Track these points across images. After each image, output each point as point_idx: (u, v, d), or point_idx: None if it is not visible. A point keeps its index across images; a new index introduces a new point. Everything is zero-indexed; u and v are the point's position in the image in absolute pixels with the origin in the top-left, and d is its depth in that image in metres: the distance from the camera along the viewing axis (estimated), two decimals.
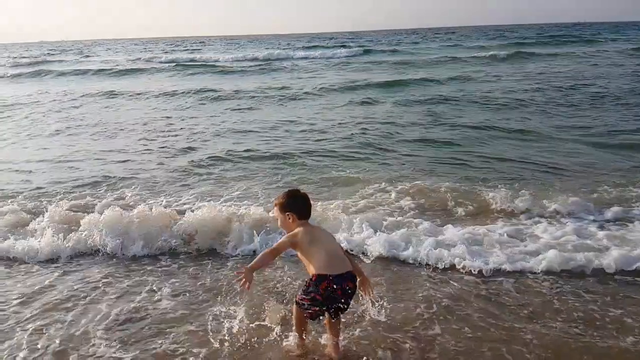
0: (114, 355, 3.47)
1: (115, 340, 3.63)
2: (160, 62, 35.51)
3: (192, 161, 8.69)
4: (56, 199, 6.69)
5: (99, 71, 29.38)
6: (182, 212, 5.92)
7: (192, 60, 37.19)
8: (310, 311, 3.20)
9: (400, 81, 18.96)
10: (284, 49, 50.84)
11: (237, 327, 3.66)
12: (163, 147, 9.95)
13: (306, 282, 3.21)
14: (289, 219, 3.36)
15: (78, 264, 5.02)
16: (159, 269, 4.86)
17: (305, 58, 36.46)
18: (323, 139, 10.20)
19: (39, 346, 3.57)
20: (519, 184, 6.88)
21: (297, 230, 3.31)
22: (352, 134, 10.59)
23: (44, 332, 3.75)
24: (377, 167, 8.16)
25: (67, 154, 9.63)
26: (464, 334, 3.59)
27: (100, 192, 7.16)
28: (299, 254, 3.32)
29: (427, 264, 4.72)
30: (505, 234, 5.23)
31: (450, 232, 5.33)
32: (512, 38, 52.83)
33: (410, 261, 4.80)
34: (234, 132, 11.34)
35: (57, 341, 3.62)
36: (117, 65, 34.36)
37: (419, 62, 28.14)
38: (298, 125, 11.88)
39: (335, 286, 3.08)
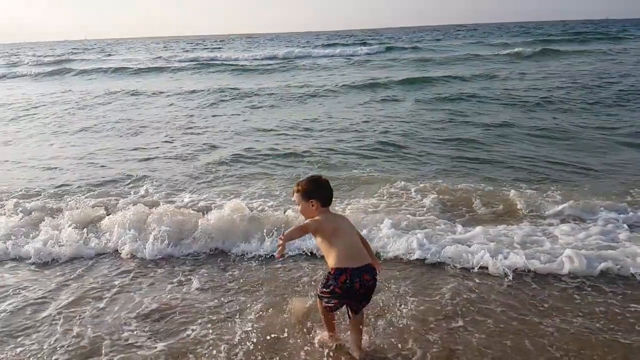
0: (145, 344, 3.58)
1: (145, 329, 3.75)
2: (181, 61, 35.74)
3: (214, 159, 8.72)
4: (80, 196, 6.78)
5: (121, 69, 29.79)
6: (204, 210, 5.96)
7: (212, 58, 37.39)
8: (330, 304, 3.22)
9: (422, 79, 18.78)
10: (303, 46, 50.86)
11: (264, 319, 3.75)
12: (185, 145, 10.02)
13: (326, 275, 3.21)
14: (312, 206, 3.29)
15: (103, 261, 5.07)
16: (186, 265, 4.92)
17: (325, 56, 36.37)
18: (344, 138, 10.15)
19: (74, 332, 3.72)
20: (545, 183, 6.76)
21: (319, 217, 3.26)
22: (374, 132, 10.52)
23: (78, 319, 3.91)
24: (399, 165, 8.08)
25: (91, 151, 9.78)
26: (487, 328, 3.60)
27: (124, 189, 7.23)
28: (318, 241, 3.28)
29: (450, 264, 4.65)
30: (529, 234, 5.12)
31: (473, 232, 5.24)
32: (537, 35, 51.91)
33: (433, 261, 4.72)
34: (254, 130, 11.36)
35: (90, 327, 3.78)
36: (139, 63, 34.79)
37: (440, 59, 27.79)
38: (318, 123, 11.85)
39: (353, 279, 3.08)
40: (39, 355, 3.48)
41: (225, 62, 33.09)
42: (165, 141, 10.54)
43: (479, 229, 5.28)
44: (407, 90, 16.68)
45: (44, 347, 3.56)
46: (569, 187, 6.55)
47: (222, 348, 3.48)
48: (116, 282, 4.55)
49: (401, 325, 3.67)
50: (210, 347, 3.50)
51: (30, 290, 4.44)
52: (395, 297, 4.09)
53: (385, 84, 18.13)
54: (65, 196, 6.90)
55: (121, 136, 11.35)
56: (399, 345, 3.43)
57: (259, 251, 5.08)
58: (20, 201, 6.55)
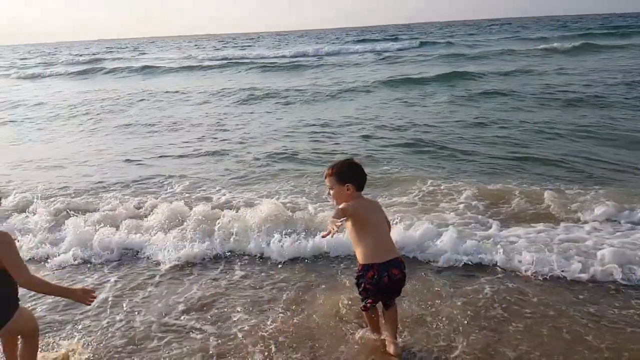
0: (195, 325, 3.75)
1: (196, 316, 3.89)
2: (212, 59, 36.10)
3: (248, 157, 8.75)
4: (117, 195, 6.89)
5: (153, 68, 30.19)
6: (237, 207, 5.98)
7: (242, 57, 37.57)
8: (367, 304, 3.21)
9: (457, 74, 18.34)
10: (333, 43, 50.76)
11: (307, 315, 3.80)
12: (218, 143, 10.07)
13: (355, 275, 3.21)
14: (348, 190, 3.20)
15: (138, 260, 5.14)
16: (234, 262, 4.92)
17: (356, 52, 36.20)
18: (376, 136, 10.04)
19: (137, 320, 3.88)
20: (586, 183, 6.50)
21: (354, 202, 3.17)
22: (407, 130, 10.37)
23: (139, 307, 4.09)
24: (433, 163, 7.93)
25: (126, 150, 9.92)
26: (524, 327, 3.55)
27: (162, 188, 7.29)
28: (348, 225, 3.21)
29: (487, 264, 4.52)
30: (568, 235, 4.95)
31: (510, 231, 5.11)
32: (575, 29, 50.26)
33: (470, 262, 4.58)
34: (287, 129, 11.30)
35: (144, 311, 3.99)
36: (171, 62, 35.32)
37: (475, 54, 27.18)
38: (350, 121, 11.75)
39: (381, 274, 3.06)
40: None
41: (255, 60, 33.29)
42: (199, 139, 10.63)
43: (516, 228, 5.14)
44: (442, 86, 16.39)
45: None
46: (612, 187, 6.26)
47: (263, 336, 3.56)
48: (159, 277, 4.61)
49: (437, 323, 3.62)
50: (253, 336, 3.57)
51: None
52: (430, 295, 4.03)
53: (418, 79, 17.90)
54: (100, 194, 7.03)
55: (152, 135, 11.47)
56: (435, 341, 3.39)
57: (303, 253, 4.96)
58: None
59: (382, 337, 3.35)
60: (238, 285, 4.40)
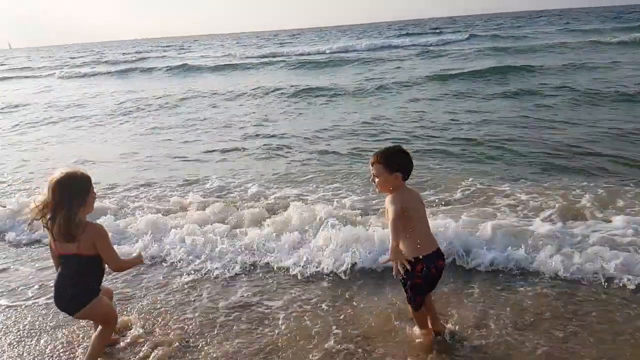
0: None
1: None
2: (255, 57, 36.24)
3: (296, 158, 8.62)
4: (172, 195, 6.87)
5: (196, 67, 30.26)
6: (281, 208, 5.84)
7: (285, 54, 37.53)
8: (417, 302, 3.17)
9: (505, 69, 17.57)
10: (375, 38, 50.12)
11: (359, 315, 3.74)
12: (266, 143, 9.89)
13: (402, 276, 3.06)
14: (396, 179, 3.06)
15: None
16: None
17: (399, 46, 35.61)
18: (420, 134, 9.67)
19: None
20: None
21: (403, 197, 3.06)
22: (450, 128, 9.98)
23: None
24: (479, 164, 7.55)
25: (177, 151, 9.87)
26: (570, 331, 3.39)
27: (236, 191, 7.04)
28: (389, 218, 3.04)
29: (540, 270, 4.19)
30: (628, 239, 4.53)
31: (572, 233, 4.75)
32: (631, 20, 47.50)
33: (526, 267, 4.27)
34: (333, 128, 10.98)
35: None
36: (215, 60, 35.70)
37: (523, 47, 26.03)
38: (396, 118, 11.42)
39: (429, 266, 3.04)
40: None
41: (297, 56, 33.21)
42: (246, 139, 10.56)
43: (566, 231, 4.78)
44: (487, 82, 15.73)
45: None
46: None
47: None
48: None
49: (483, 323, 3.52)
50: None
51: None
52: (478, 296, 3.89)
53: (465, 74, 17.27)
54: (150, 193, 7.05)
55: (205, 133, 11.47)
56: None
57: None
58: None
59: (431, 334, 3.33)
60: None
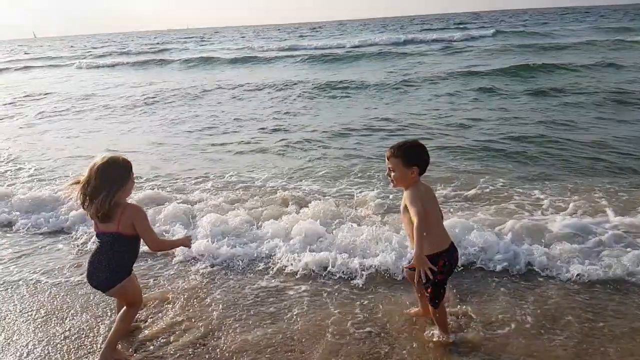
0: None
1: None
2: (276, 50, 36.19)
3: (317, 154, 8.64)
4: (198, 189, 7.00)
5: (216, 59, 30.24)
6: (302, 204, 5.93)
7: (305, 47, 37.31)
8: (442, 296, 3.16)
9: (529, 67, 17.23)
10: (397, 32, 49.68)
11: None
12: (285, 139, 9.93)
13: (423, 276, 3.00)
14: (412, 173, 3.04)
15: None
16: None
17: (422, 42, 35.14)
18: (444, 133, 9.60)
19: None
20: None
21: (420, 194, 3.02)
22: (474, 127, 9.87)
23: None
24: (500, 163, 7.48)
25: (200, 145, 9.93)
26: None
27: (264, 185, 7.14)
28: (407, 220, 3.04)
29: (564, 271, 4.16)
30: None
31: (594, 231, 4.72)
32: None
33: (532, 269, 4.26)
34: (357, 125, 10.87)
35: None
36: (235, 52, 35.71)
37: (550, 45, 25.53)
38: (417, 117, 11.33)
39: (450, 259, 3.09)
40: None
41: (317, 50, 33.05)
42: (266, 133, 10.62)
43: (588, 229, 4.77)
44: (513, 80, 15.47)
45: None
46: None
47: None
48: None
49: (506, 321, 3.54)
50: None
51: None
52: (500, 295, 3.87)
53: (491, 72, 17.00)
54: (174, 184, 7.22)
55: (222, 128, 11.54)
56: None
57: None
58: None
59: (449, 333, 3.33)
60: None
